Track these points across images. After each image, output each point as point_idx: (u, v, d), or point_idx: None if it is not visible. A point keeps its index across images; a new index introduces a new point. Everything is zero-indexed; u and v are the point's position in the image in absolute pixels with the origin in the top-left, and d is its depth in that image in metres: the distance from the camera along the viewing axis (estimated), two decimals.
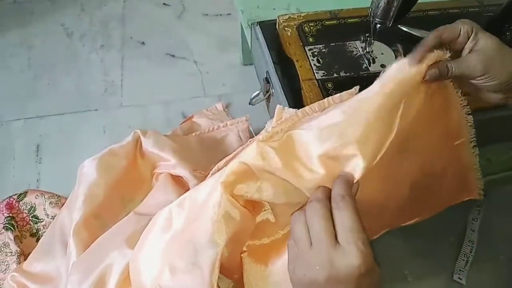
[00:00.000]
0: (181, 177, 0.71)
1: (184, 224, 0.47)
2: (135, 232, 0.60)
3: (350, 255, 0.33)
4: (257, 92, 0.72)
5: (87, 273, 0.56)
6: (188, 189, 0.69)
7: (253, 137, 0.55)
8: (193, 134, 0.87)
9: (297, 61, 0.61)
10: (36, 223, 0.75)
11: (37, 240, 0.73)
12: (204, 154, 0.79)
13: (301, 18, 0.65)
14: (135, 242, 0.56)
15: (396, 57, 0.61)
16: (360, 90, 0.42)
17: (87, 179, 0.68)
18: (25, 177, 0.86)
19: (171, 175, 0.72)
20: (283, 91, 0.61)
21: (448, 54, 0.41)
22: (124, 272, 0.53)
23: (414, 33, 0.61)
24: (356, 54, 0.62)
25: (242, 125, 0.87)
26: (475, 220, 0.81)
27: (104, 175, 0.68)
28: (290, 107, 0.50)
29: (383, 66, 0.60)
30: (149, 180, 0.73)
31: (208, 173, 0.53)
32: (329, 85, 0.59)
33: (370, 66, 0.61)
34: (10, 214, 0.75)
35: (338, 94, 0.43)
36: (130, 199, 0.70)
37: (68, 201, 0.72)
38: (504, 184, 0.75)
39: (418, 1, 0.55)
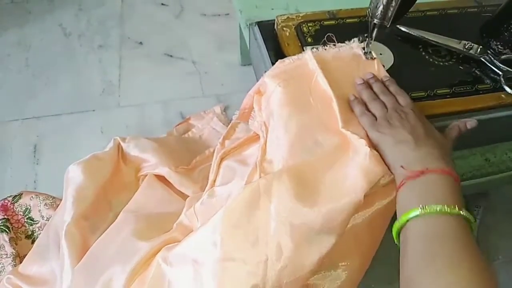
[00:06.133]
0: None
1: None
2: (136, 230, 0.60)
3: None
4: None
5: (87, 287, 0.56)
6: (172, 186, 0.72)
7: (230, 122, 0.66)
8: (172, 136, 0.89)
9: None
10: (31, 225, 0.75)
11: (33, 242, 0.73)
12: (184, 151, 0.80)
13: (300, 18, 0.65)
14: (141, 235, 0.57)
15: (394, 57, 0.60)
16: None
17: (74, 182, 0.68)
18: (22, 178, 0.85)
19: (155, 175, 0.73)
20: None
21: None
22: (125, 286, 0.53)
23: (413, 34, 0.61)
24: None
25: (212, 121, 0.91)
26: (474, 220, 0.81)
27: (90, 178, 0.69)
28: None
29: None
30: (134, 184, 0.74)
31: (190, 167, 0.71)
32: None
33: None
34: (5, 216, 0.74)
35: None
36: (117, 203, 0.70)
37: (62, 203, 0.72)
38: (503, 184, 0.75)
39: (417, 2, 0.55)
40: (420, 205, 0.38)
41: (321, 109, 0.51)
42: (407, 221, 0.39)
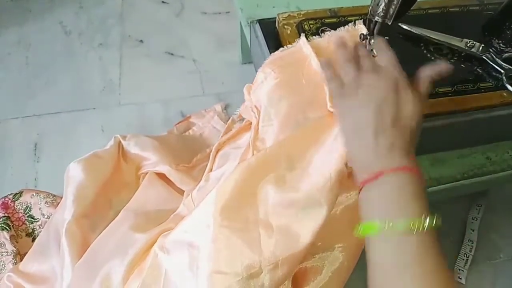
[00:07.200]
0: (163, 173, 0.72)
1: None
2: (134, 224, 0.60)
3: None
4: None
5: (87, 282, 0.56)
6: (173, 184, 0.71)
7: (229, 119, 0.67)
8: (172, 134, 0.89)
9: None
10: (31, 223, 0.75)
11: (33, 240, 0.73)
12: (185, 150, 0.80)
13: (301, 16, 0.64)
14: (138, 228, 0.58)
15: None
16: None
17: (75, 180, 0.68)
18: (22, 176, 0.85)
19: (155, 173, 0.73)
20: None
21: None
22: (124, 278, 0.53)
23: (415, 31, 0.61)
24: None
25: (213, 119, 0.91)
26: (475, 219, 0.81)
27: (91, 176, 0.69)
28: None
29: None
30: (134, 182, 0.74)
31: (191, 165, 0.71)
32: None
33: None
34: (6, 214, 0.74)
35: None
36: (117, 201, 0.70)
37: (62, 201, 0.72)
38: (504, 183, 0.75)
39: (418, 0, 0.55)
40: (380, 220, 0.35)
41: (313, 90, 0.52)
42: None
